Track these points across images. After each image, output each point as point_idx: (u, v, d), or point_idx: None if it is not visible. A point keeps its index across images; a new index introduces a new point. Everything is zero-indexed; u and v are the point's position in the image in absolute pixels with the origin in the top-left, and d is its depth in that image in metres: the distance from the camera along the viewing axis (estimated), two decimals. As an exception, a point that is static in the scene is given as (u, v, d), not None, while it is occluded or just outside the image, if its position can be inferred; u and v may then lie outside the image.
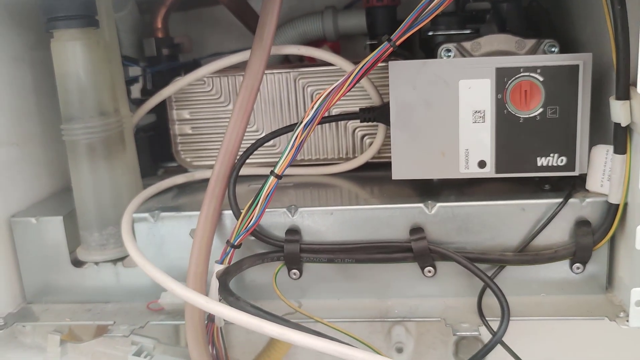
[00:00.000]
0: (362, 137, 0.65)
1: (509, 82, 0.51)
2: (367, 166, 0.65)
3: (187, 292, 0.46)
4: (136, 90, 0.71)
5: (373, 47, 0.72)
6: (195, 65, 0.74)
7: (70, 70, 0.54)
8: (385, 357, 0.39)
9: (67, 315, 0.57)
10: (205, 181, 0.65)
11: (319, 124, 0.63)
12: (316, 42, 0.75)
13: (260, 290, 0.56)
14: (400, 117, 0.52)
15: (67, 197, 0.64)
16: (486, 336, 0.50)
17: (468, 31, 0.62)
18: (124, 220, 0.55)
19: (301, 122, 0.50)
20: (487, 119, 0.51)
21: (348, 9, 0.75)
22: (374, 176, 0.64)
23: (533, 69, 0.50)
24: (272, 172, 0.50)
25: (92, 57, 0.54)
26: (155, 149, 0.71)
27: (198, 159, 0.68)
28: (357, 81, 0.49)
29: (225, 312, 0.43)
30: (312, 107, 0.49)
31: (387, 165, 0.65)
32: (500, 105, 0.51)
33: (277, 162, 0.50)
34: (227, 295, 0.47)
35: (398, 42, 0.49)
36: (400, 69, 0.51)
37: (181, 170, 0.70)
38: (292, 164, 0.65)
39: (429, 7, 0.47)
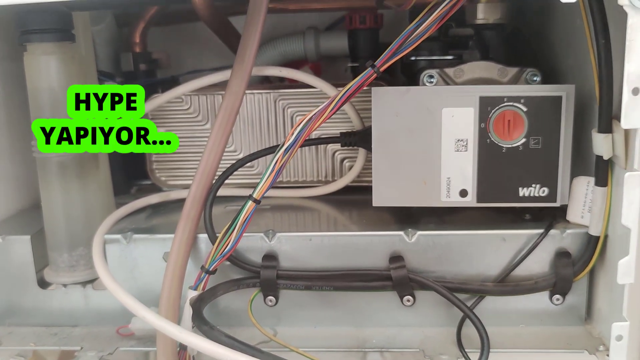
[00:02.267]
0: (342, 160, 0.64)
1: (493, 111, 0.50)
2: (345, 190, 0.64)
3: (159, 321, 0.44)
4: (111, 106, 0.69)
5: (354, 70, 0.72)
6: (173, 81, 0.72)
7: (44, 85, 0.52)
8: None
9: (32, 340, 0.54)
10: (181, 201, 0.64)
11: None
12: (297, 62, 0.75)
13: (234, 316, 0.55)
14: (382, 144, 0.51)
15: (34, 215, 0.62)
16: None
17: (450, 57, 0.62)
18: (95, 241, 0.53)
19: (282, 146, 0.49)
20: (470, 148, 0.51)
21: (330, 30, 0.74)
22: (353, 200, 0.63)
23: (517, 99, 0.50)
24: (250, 197, 0.49)
25: (66, 72, 0.53)
26: (129, 166, 0.69)
27: (173, 178, 0.66)
28: (340, 106, 0.48)
29: (198, 343, 0.42)
30: (294, 132, 0.48)
31: (366, 190, 0.64)
32: (483, 135, 0.51)
33: (255, 186, 0.49)
34: (200, 323, 0.45)
35: (382, 69, 0.48)
36: (383, 95, 0.51)
37: (155, 188, 0.69)
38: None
39: (415, 34, 0.47)
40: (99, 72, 0.62)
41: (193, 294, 0.50)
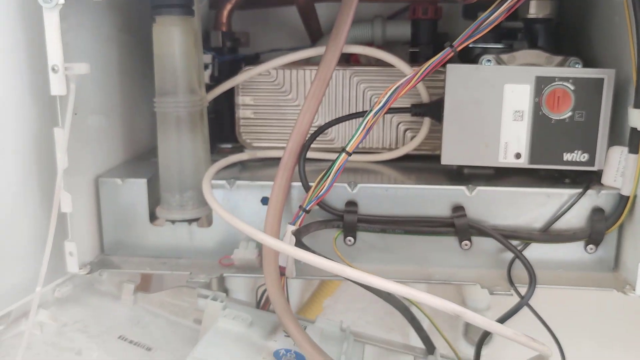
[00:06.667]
0: (405, 130, 0.74)
1: (545, 88, 0.60)
2: (404, 157, 0.74)
3: (276, 242, 0.54)
4: (206, 75, 0.79)
5: (414, 54, 0.82)
6: (256, 58, 0.82)
7: (169, 51, 0.62)
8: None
9: (145, 267, 0.64)
10: (265, 160, 0.75)
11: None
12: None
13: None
14: (453, 112, 0.62)
15: (143, 163, 0.72)
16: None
17: (502, 45, 0.72)
18: (204, 184, 0.63)
19: (372, 109, 0.59)
20: (525, 118, 0.61)
21: (395, 19, 0.84)
22: (411, 166, 0.73)
23: (566, 79, 0.60)
24: (343, 149, 0.59)
25: (187, 42, 0.63)
26: (214, 129, 0.78)
27: (257, 140, 0.76)
28: (423, 78, 0.58)
29: (309, 257, 0.52)
30: (384, 97, 0.58)
31: (423, 158, 0.75)
32: (536, 108, 0.61)
33: (348, 141, 0.59)
34: (304, 249, 0.56)
35: (459, 49, 0.58)
36: (456, 71, 0.61)
37: (234, 151, 0.79)
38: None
39: (488, 20, 0.57)
40: (197, 45, 0.72)
41: (292, 228, 0.60)
